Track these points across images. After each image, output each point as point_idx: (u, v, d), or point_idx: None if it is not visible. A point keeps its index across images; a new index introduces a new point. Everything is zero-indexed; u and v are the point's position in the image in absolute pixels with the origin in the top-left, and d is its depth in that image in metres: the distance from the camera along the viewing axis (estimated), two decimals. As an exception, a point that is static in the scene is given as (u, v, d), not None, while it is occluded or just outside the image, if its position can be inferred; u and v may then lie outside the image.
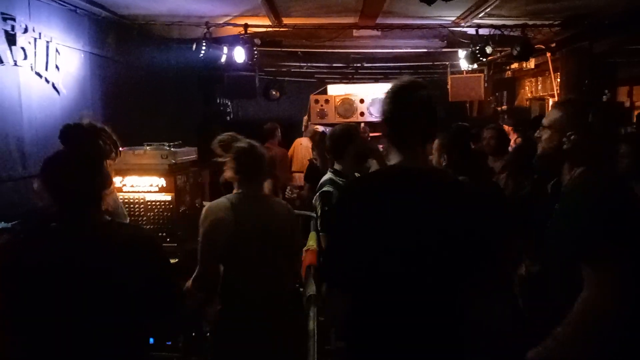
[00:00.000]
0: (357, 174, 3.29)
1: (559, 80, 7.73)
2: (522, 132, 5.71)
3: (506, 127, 7.27)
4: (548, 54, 7.80)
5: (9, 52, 3.74)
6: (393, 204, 1.71)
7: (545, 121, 2.01)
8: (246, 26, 6.08)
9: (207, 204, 2.69)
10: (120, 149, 3.77)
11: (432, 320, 1.71)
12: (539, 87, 9.13)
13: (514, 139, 6.05)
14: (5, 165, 3.74)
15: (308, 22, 6.38)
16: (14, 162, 3.86)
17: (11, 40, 3.77)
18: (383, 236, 1.69)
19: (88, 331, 1.71)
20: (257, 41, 6.51)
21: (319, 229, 3.17)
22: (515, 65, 9.73)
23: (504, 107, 10.27)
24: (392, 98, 1.81)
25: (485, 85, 9.48)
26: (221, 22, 6.18)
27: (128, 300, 1.75)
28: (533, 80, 9.41)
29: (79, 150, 1.88)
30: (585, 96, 6.85)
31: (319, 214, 3.17)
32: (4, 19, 3.70)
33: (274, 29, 6.42)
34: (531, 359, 1.74)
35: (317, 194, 3.26)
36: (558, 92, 7.77)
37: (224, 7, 5.70)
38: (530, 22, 6.31)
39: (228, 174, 2.64)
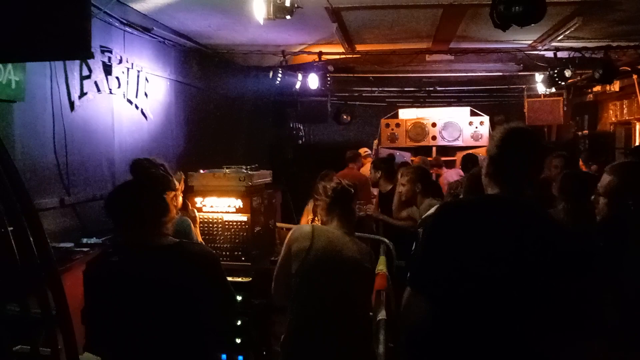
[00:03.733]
0: None
1: (646, 103, 7.31)
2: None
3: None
4: (634, 76, 7.41)
5: (105, 81, 4.09)
6: (485, 228, 1.79)
7: (600, 188, 2.06)
8: (320, 54, 6.27)
9: (294, 227, 2.81)
10: (202, 171, 4.03)
11: (505, 347, 1.73)
12: (625, 111, 8.67)
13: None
14: (98, 185, 4.06)
15: (381, 48, 6.48)
16: (105, 182, 4.18)
17: (108, 70, 4.12)
18: (471, 256, 1.76)
19: (157, 335, 1.96)
20: (331, 68, 6.69)
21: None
22: (598, 88, 9.31)
23: (585, 131, 9.82)
24: (501, 141, 1.88)
25: (565, 109, 9.13)
26: (297, 50, 6.42)
27: (192, 307, 1.99)
28: (618, 103, 8.95)
29: (144, 182, 2.08)
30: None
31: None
32: (103, 51, 4.06)
33: (347, 56, 6.57)
34: None
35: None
36: (646, 116, 7.35)
37: (300, 36, 5.92)
38: (614, 44, 6.05)
39: (322, 214, 2.77)
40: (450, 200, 2.29)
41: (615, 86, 8.44)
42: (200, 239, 3.65)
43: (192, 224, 3.61)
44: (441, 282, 1.78)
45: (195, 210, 3.79)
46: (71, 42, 1.38)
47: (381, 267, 3.43)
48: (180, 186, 3.63)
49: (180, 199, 3.61)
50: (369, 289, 2.78)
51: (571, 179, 3.21)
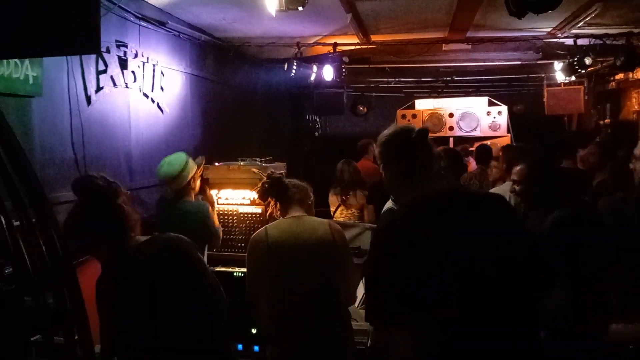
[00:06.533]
0: None
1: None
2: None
3: None
4: (658, 63, 7.22)
5: (121, 75, 4.12)
6: (433, 229, 1.69)
7: (637, 152, 1.96)
8: (335, 45, 6.24)
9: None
10: (217, 163, 4.06)
11: (506, 338, 1.66)
12: (648, 99, 8.47)
13: None
14: (115, 178, 4.04)
15: (396, 38, 6.42)
16: (122, 176, 4.23)
17: (123, 64, 4.16)
18: (434, 262, 1.64)
19: (167, 329, 1.99)
20: (346, 59, 6.65)
21: None
22: (620, 76, 9.10)
23: (607, 120, 9.62)
24: (387, 146, 1.95)
25: (586, 97, 8.95)
26: (311, 42, 6.40)
27: (188, 295, 2.03)
28: (641, 91, 8.75)
29: (92, 200, 2.02)
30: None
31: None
32: (118, 46, 4.09)
33: (363, 46, 6.53)
34: None
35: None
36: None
37: (314, 28, 5.89)
38: (636, 30, 5.91)
39: (271, 210, 2.87)
40: (382, 224, 2.18)
41: (638, 74, 8.25)
42: (217, 223, 3.69)
43: (210, 208, 3.67)
44: (415, 307, 1.62)
45: (214, 195, 3.85)
46: (80, 37, 1.40)
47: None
48: (199, 170, 3.68)
49: (198, 182, 3.67)
50: (341, 266, 2.66)
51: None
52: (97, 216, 1.99)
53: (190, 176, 3.56)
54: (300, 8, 3.79)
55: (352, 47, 6.54)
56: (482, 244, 1.66)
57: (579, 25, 5.66)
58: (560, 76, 7.76)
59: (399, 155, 1.89)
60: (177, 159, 3.60)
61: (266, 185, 2.88)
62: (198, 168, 3.72)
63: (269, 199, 2.87)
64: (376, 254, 1.76)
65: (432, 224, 1.70)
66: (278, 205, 2.82)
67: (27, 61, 3.02)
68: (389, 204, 3.14)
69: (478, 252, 1.65)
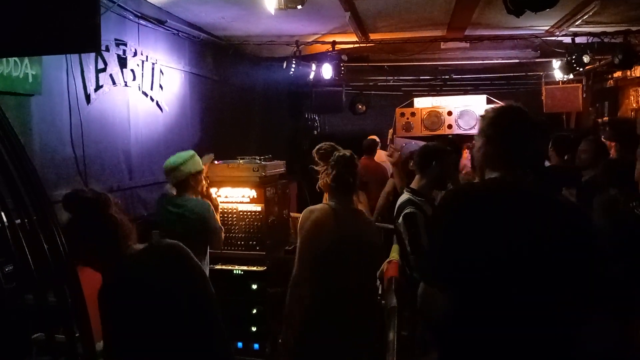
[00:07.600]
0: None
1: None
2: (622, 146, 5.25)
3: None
4: (655, 61, 7.23)
5: (120, 74, 4.13)
6: (494, 214, 1.79)
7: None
8: (334, 43, 6.25)
9: (308, 208, 2.81)
10: (216, 162, 4.07)
11: (527, 331, 1.74)
12: (646, 97, 8.49)
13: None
14: (115, 176, 4.12)
15: (395, 36, 6.43)
16: (122, 174, 4.24)
17: (123, 63, 4.16)
18: (483, 243, 1.76)
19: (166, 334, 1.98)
20: (344, 57, 6.66)
21: (410, 251, 3.11)
22: (618, 74, 9.12)
23: (606, 118, 9.64)
24: (497, 119, 1.89)
25: (584, 95, 8.97)
26: (310, 40, 6.40)
27: (184, 301, 2.02)
28: (639, 89, 8.76)
29: (84, 213, 2.02)
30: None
31: (407, 239, 3.09)
32: (117, 45, 4.10)
33: (361, 45, 6.53)
34: None
35: (400, 217, 3.15)
36: (667, 101, 7.19)
37: (313, 26, 5.90)
38: (634, 28, 5.92)
39: (323, 181, 2.72)
40: (457, 188, 2.34)
41: (636, 72, 8.26)
42: (219, 223, 3.70)
43: (212, 208, 3.67)
44: (460, 274, 1.77)
45: (217, 199, 3.86)
46: (80, 36, 1.40)
47: (394, 254, 3.43)
48: (204, 170, 3.69)
49: (203, 183, 3.67)
50: (374, 261, 2.74)
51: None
52: (91, 228, 2.00)
53: (189, 171, 3.56)
54: (299, 6, 3.79)
55: (351, 46, 6.54)
56: (528, 239, 1.75)
57: (577, 24, 5.67)
58: (558, 74, 7.77)
59: (496, 136, 1.87)
60: (183, 153, 3.67)
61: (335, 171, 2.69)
62: (204, 164, 3.74)
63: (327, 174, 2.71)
64: (441, 219, 1.91)
65: (493, 209, 1.80)
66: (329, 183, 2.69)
67: (26, 59, 3.03)
68: (405, 195, 3.26)
69: (523, 245, 1.74)
